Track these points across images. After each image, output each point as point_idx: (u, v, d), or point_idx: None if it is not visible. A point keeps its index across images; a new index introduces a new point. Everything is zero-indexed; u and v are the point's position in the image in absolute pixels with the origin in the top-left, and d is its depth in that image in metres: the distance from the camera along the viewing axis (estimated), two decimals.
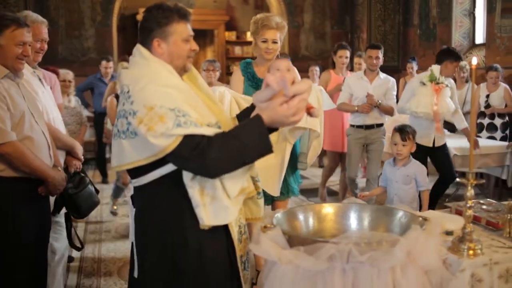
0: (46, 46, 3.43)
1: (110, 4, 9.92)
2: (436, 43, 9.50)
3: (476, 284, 2.30)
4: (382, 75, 5.74)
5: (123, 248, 5.05)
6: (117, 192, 6.13)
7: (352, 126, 5.79)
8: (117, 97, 5.30)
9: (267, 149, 2.20)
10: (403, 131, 3.99)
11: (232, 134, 2.18)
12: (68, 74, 5.78)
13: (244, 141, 2.15)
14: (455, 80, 6.17)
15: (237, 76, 3.96)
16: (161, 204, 2.29)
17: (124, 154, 2.22)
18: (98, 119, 7.60)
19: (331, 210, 2.77)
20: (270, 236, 2.36)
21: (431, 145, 5.37)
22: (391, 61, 10.22)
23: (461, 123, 5.54)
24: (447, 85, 5.27)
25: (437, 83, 5.22)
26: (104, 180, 7.84)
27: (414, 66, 8.42)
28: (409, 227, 2.41)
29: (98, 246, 5.20)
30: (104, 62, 7.61)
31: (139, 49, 2.33)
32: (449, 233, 2.63)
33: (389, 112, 5.67)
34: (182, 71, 2.38)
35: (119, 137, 2.24)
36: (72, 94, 5.85)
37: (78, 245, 3.59)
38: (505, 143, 6.36)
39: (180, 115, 2.14)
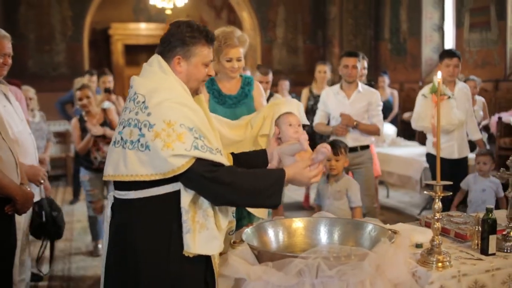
0: (10, 61, 3.37)
1: (81, 18, 9.85)
2: (406, 57, 9.64)
3: None
4: (363, 87, 4.94)
5: (93, 266, 4.95)
6: (94, 226, 5.42)
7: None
8: (80, 118, 5.22)
9: (275, 204, 2.26)
10: (335, 145, 3.84)
11: (252, 173, 2.25)
12: (28, 91, 5.69)
13: (260, 186, 2.21)
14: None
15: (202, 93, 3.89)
16: (149, 223, 2.22)
17: (127, 165, 2.17)
18: None
19: (301, 225, 2.77)
20: (238, 253, 2.35)
21: (454, 157, 4.99)
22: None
23: (474, 133, 5.21)
24: (449, 97, 4.91)
25: (440, 95, 4.97)
26: (76, 199, 7.69)
27: (386, 79, 8.52)
28: (378, 241, 2.42)
29: (68, 264, 5.09)
30: (87, 77, 7.47)
31: (159, 61, 2.31)
32: (418, 245, 2.64)
33: (372, 132, 4.87)
34: (194, 93, 2.37)
35: (122, 146, 2.19)
36: (36, 109, 5.74)
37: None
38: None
39: (198, 136, 2.14)
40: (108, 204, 2.38)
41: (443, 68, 4.91)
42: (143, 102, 2.19)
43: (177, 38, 2.29)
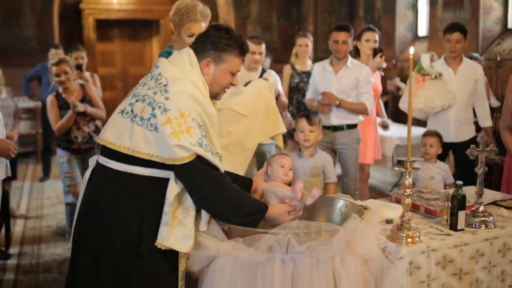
0: None
1: None
2: (381, 35, 9.63)
3: (414, 271, 2.32)
4: (353, 63, 4.58)
5: (64, 244, 4.89)
6: (72, 215, 4.96)
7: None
8: (57, 95, 4.77)
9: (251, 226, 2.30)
10: (309, 116, 3.69)
11: (242, 193, 2.32)
12: None
13: (244, 208, 2.27)
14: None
15: None
16: (126, 198, 2.23)
17: (132, 139, 2.20)
18: (45, 110, 7.15)
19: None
20: (207, 231, 2.32)
21: (448, 140, 4.40)
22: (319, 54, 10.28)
23: (482, 120, 4.68)
24: (435, 77, 4.49)
25: (423, 75, 4.52)
26: (46, 176, 7.56)
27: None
28: (349, 217, 2.43)
29: (38, 242, 5.02)
30: (53, 50, 6.83)
31: (190, 55, 2.35)
32: (389, 221, 2.66)
33: (358, 110, 4.52)
34: (212, 98, 2.41)
35: (131, 119, 2.22)
36: (2, 85, 5.57)
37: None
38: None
39: (204, 135, 2.20)
40: (89, 167, 2.41)
41: (445, 44, 4.56)
42: (165, 85, 2.24)
43: (213, 42, 2.35)
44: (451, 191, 2.65)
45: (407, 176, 2.40)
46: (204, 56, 2.34)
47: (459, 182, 2.58)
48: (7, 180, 3.99)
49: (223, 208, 2.25)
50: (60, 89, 4.80)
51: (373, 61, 4.91)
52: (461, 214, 2.53)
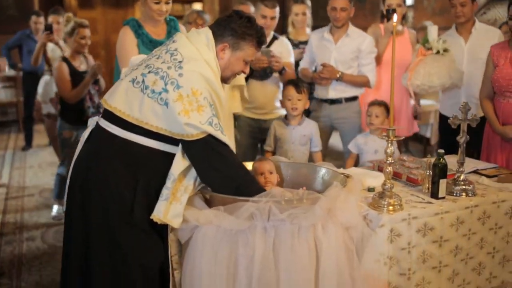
0: None
1: None
2: (365, 5, 9.55)
3: (395, 239, 2.35)
4: (354, 31, 4.21)
5: (47, 213, 4.87)
6: (61, 186, 4.64)
7: (315, 99, 4.39)
8: (65, 60, 4.50)
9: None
10: (297, 84, 3.64)
11: (248, 174, 2.40)
12: None
13: (248, 191, 2.24)
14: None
15: (129, 38, 3.38)
16: (122, 165, 2.23)
17: (142, 110, 2.20)
18: (27, 78, 6.96)
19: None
20: (187, 201, 2.31)
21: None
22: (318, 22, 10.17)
23: None
24: (437, 52, 4.12)
25: (428, 49, 4.17)
26: (28, 145, 7.47)
27: None
28: (331, 185, 2.43)
29: (20, 211, 4.99)
30: (34, 17, 6.74)
31: (208, 36, 2.34)
32: (370, 189, 2.67)
33: (360, 83, 4.22)
34: (222, 81, 2.41)
35: (142, 90, 2.22)
36: None
37: None
38: (431, 102, 6.47)
39: (215, 115, 2.21)
40: (88, 127, 2.40)
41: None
42: (180, 61, 2.23)
43: (233, 28, 2.35)
44: (433, 160, 2.66)
45: (389, 144, 2.40)
46: (222, 40, 2.34)
47: (441, 151, 2.59)
48: None
49: (226, 187, 2.25)
50: (67, 54, 4.64)
51: (387, 24, 4.47)
52: (442, 183, 2.55)
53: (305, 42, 4.79)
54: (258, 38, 2.40)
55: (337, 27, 4.16)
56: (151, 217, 2.21)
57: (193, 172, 2.27)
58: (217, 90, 2.27)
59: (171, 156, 2.25)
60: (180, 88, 2.17)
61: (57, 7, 6.33)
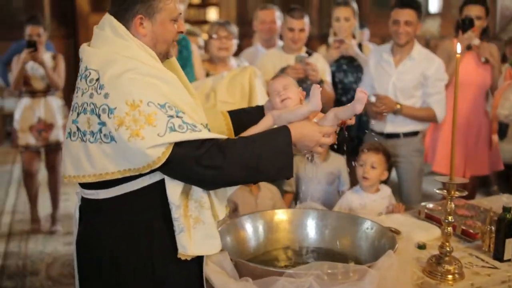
0: None
1: None
2: (389, 11, 9.17)
3: None
4: (420, 52, 3.55)
5: (53, 241, 4.53)
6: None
7: (371, 131, 3.74)
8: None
9: (285, 177, 1.88)
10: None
11: (250, 144, 1.81)
12: None
13: (264, 161, 1.80)
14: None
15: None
16: (125, 225, 1.84)
17: (92, 162, 1.76)
18: None
19: (284, 217, 2.43)
20: (215, 259, 1.96)
21: None
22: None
23: None
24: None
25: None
26: None
27: (366, 33, 8.01)
28: (377, 240, 2.10)
29: (25, 239, 4.63)
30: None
31: (112, 23, 1.83)
32: (421, 246, 2.31)
33: (424, 118, 3.57)
34: (163, 58, 1.92)
35: (81, 139, 1.77)
36: None
37: None
38: None
39: (173, 114, 1.71)
40: (76, 204, 1.98)
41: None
42: (97, 79, 1.75)
43: None
44: (494, 209, 2.28)
45: (449, 201, 2.03)
46: (132, 15, 1.83)
47: (508, 204, 2.21)
48: None
49: (240, 177, 1.83)
50: None
51: (462, 37, 3.77)
52: (509, 242, 2.17)
53: (349, 59, 4.06)
54: None
55: (399, 45, 3.51)
56: (178, 256, 1.84)
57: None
58: (161, 77, 1.78)
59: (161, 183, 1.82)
60: (114, 110, 1.69)
61: (35, 14, 5.06)
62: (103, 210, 1.85)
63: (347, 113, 1.93)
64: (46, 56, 4.69)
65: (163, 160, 1.70)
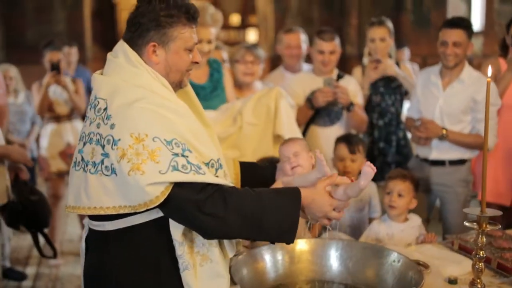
0: None
1: None
2: (430, 30, 9.01)
3: None
4: (470, 75, 3.32)
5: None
6: None
7: (416, 157, 3.59)
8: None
9: (286, 242, 1.79)
10: (351, 141, 3.08)
11: (257, 200, 1.73)
12: (8, 70, 5.02)
13: (269, 211, 1.72)
14: None
15: None
16: (132, 259, 1.78)
17: (89, 194, 1.70)
18: None
19: (306, 247, 2.30)
20: None
21: None
22: None
23: None
24: None
25: None
26: None
27: (407, 53, 7.86)
28: (404, 275, 1.96)
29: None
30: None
31: (125, 50, 1.79)
32: (452, 281, 2.15)
33: (472, 145, 3.33)
34: (176, 87, 1.86)
35: (83, 169, 1.72)
36: (21, 90, 5.18)
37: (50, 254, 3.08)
38: None
39: (179, 152, 1.63)
40: (83, 235, 1.93)
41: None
42: (105, 109, 1.70)
43: (149, 19, 1.77)
44: None
45: (480, 236, 1.88)
46: (146, 42, 1.78)
47: None
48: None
49: (240, 232, 1.75)
50: None
51: (510, 56, 3.53)
52: None
53: (386, 79, 3.90)
54: (185, 13, 1.80)
55: (448, 67, 3.29)
56: None
57: None
58: (174, 108, 1.71)
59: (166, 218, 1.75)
60: (118, 142, 1.63)
61: (52, 39, 5.14)
62: (109, 242, 1.79)
63: (354, 189, 1.86)
64: (67, 80, 4.72)
65: (161, 199, 1.63)
